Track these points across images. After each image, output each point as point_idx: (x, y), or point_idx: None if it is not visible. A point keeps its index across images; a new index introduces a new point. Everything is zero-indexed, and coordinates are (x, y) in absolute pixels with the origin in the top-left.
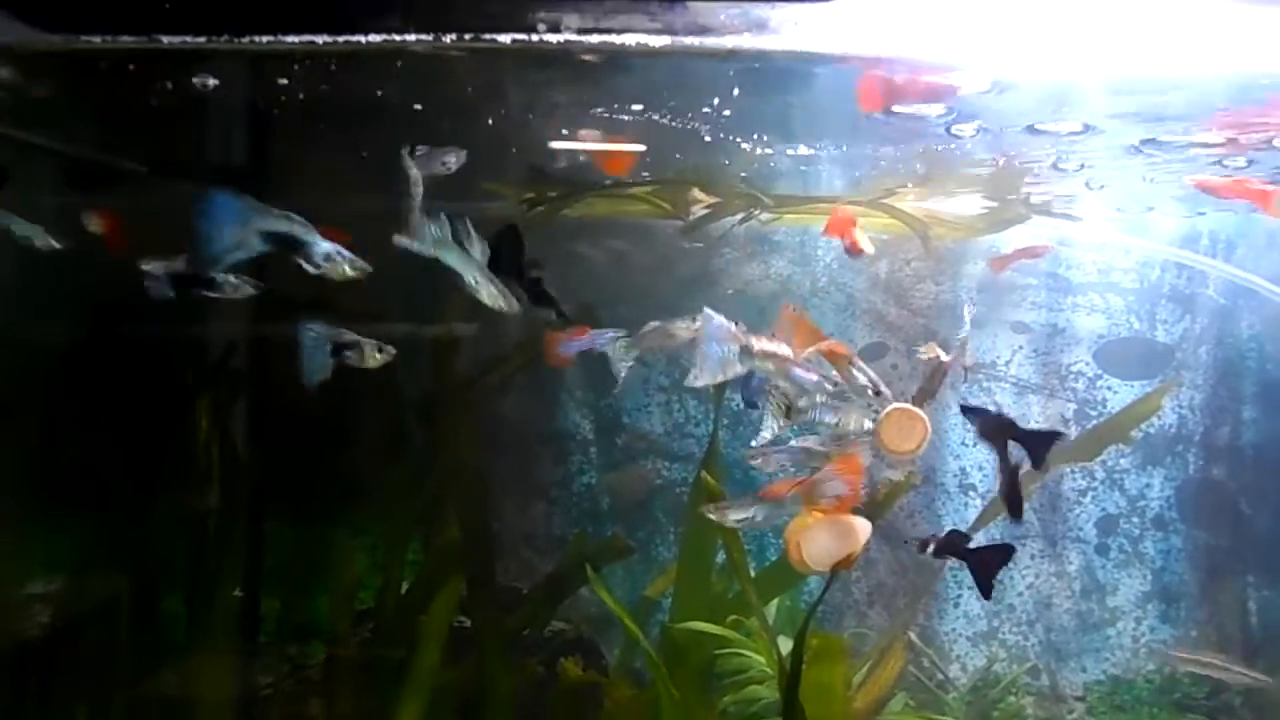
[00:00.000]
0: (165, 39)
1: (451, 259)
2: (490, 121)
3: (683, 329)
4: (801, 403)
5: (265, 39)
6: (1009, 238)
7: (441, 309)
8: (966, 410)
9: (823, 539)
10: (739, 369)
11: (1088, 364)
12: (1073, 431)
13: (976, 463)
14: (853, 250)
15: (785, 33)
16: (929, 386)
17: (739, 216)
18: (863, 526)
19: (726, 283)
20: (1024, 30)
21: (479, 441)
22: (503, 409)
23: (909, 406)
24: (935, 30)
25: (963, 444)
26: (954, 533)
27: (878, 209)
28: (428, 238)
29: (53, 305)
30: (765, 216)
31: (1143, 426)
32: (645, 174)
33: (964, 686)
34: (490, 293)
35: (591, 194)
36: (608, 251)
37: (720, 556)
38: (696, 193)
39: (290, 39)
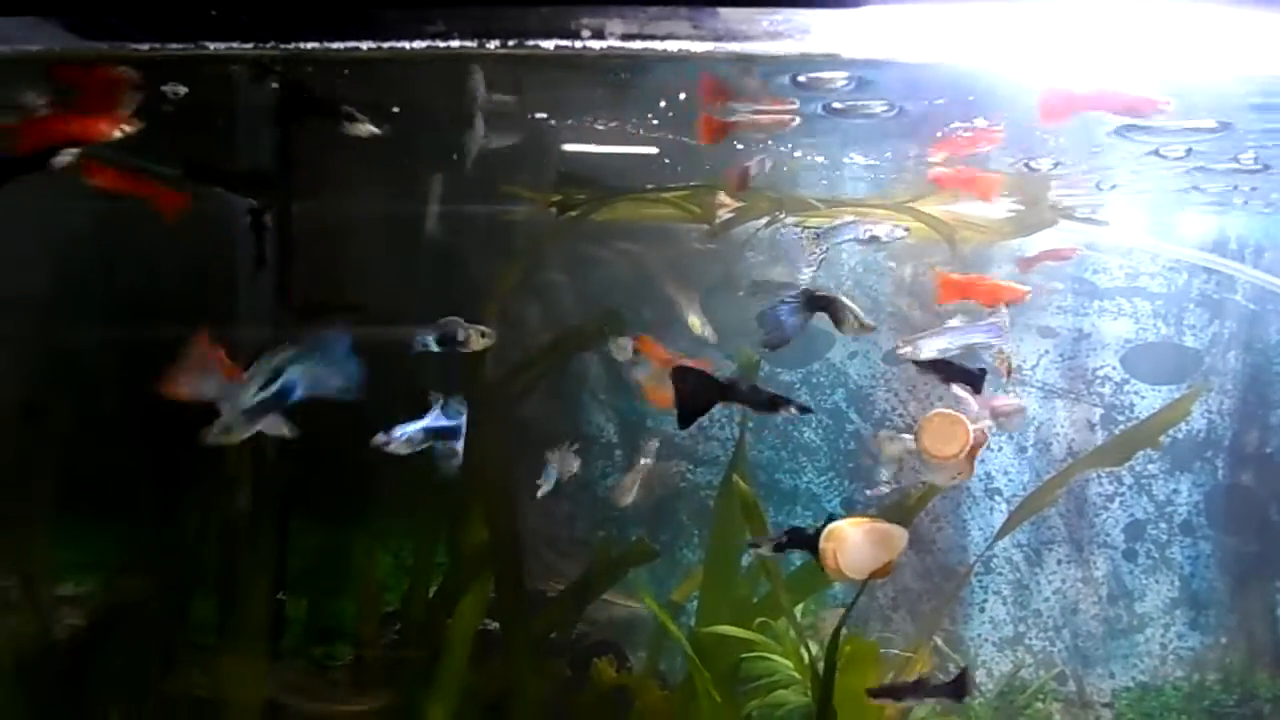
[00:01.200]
0: (211, 46)
1: None
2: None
3: None
4: None
5: (310, 46)
6: (1036, 240)
7: (470, 312)
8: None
9: (860, 547)
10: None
11: (1115, 368)
12: (1099, 436)
13: (1002, 467)
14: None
15: (824, 38)
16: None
17: (764, 220)
18: (900, 535)
19: (751, 288)
20: (1062, 33)
21: (506, 444)
22: (528, 411)
23: (950, 411)
24: (971, 34)
25: (988, 449)
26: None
27: (904, 213)
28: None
29: (86, 309)
30: (790, 220)
31: (1170, 431)
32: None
33: (990, 692)
34: None
35: (622, 198)
36: (630, 255)
37: (746, 559)
38: (722, 196)
39: (335, 46)
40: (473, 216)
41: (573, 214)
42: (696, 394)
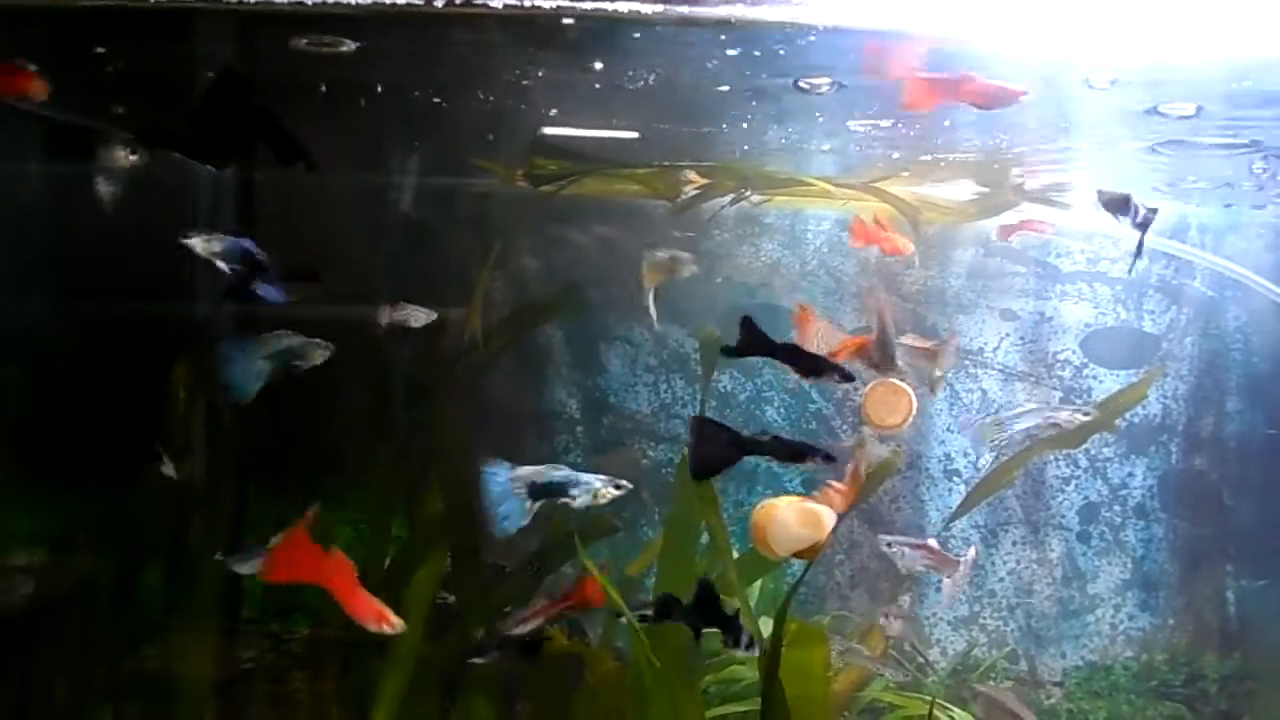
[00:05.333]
0: None
1: None
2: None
3: None
4: None
5: (253, 0)
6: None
7: (431, 287)
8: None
9: (788, 525)
10: None
11: (1074, 352)
12: None
13: (961, 448)
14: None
15: (780, 3)
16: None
17: (729, 197)
18: (828, 516)
19: (717, 266)
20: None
21: (465, 417)
22: (490, 386)
23: (894, 381)
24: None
25: (947, 430)
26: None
27: (869, 193)
28: None
29: (31, 277)
30: (756, 198)
31: (1127, 416)
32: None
33: (943, 670)
34: None
35: (594, 172)
36: (594, 233)
37: (704, 538)
38: (691, 174)
39: (278, 0)
40: (440, 190)
41: (548, 189)
42: (714, 450)
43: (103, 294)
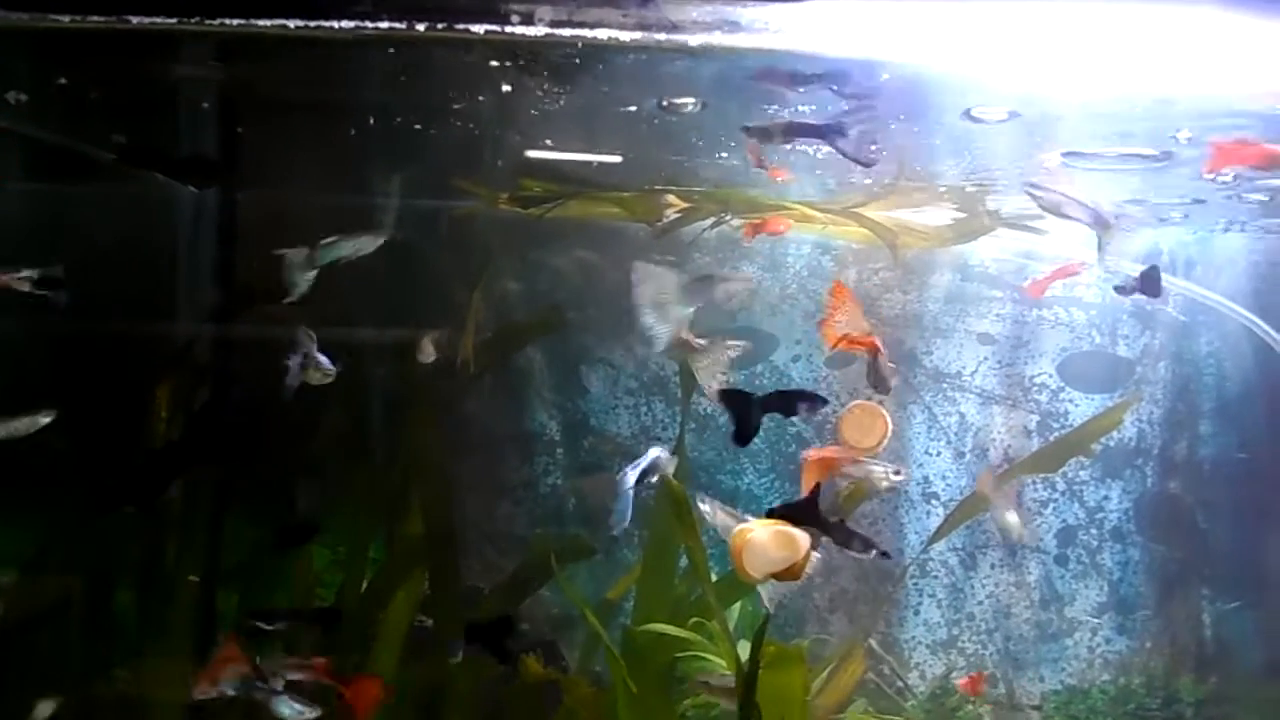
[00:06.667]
0: (134, 19)
1: None
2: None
3: None
4: None
5: (235, 23)
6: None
7: (411, 309)
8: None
9: (765, 549)
10: None
11: (1051, 376)
12: (1035, 443)
13: (940, 471)
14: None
15: (756, 31)
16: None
17: (710, 221)
18: (804, 539)
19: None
20: (999, 34)
21: (444, 440)
22: (470, 408)
23: (870, 404)
24: (909, 32)
25: (926, 453)
26: None
27: (848, 217)
28: None
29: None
30: (736, 222)
31: (1102, 440)
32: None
33: (923, 694)
34: None
35: (579, 195)
36: (576, 256)
37: (683, 560)
38: (672, 197)
39: (261, 23)
40: (422, 211)
41: (536, 212)
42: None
43: (81, 312)
